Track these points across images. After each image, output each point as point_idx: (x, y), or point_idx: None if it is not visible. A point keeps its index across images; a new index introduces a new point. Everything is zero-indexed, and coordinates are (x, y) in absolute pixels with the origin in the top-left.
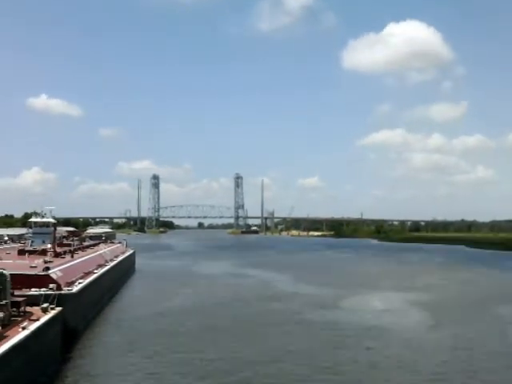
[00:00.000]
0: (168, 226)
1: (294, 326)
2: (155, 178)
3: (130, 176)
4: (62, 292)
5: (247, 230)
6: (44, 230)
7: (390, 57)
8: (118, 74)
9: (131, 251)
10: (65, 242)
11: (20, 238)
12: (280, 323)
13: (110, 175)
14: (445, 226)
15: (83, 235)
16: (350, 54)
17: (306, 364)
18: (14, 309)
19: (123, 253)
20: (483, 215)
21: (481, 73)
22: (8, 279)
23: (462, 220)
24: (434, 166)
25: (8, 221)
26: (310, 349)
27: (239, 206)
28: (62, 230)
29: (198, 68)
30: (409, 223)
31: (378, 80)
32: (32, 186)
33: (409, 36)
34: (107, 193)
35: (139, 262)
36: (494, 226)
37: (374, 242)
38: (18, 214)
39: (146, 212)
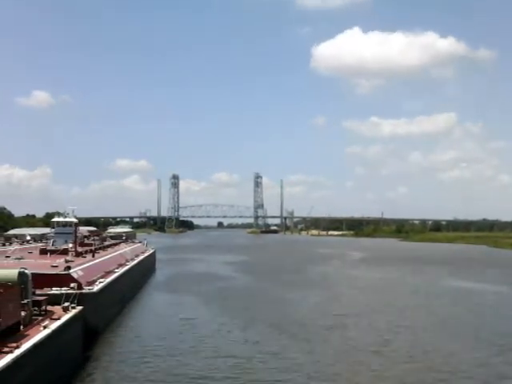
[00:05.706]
0: (187, 225)
1: None
2: (175, 177)
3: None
4: (83, 291)
5: (267, 229)
6: (66, 229)
7: None
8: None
9: (152, 250)
10: (86, 241)
11: (42, 237)
12: None
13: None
14: (466, 225)
15: (104, 235)
16: None
17: None
18: (36, 308)
19: (143, 252)
20: (506, 214)
21: None
22: (30, 278)
23: (484, 219)
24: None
25: (30, 220)
26: None
27: (258, 206)
28: (84, 229)
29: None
30: (430, 223)
31: None
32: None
33: None
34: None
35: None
36: None
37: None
38: (40, 214)
39: (165, 211)
